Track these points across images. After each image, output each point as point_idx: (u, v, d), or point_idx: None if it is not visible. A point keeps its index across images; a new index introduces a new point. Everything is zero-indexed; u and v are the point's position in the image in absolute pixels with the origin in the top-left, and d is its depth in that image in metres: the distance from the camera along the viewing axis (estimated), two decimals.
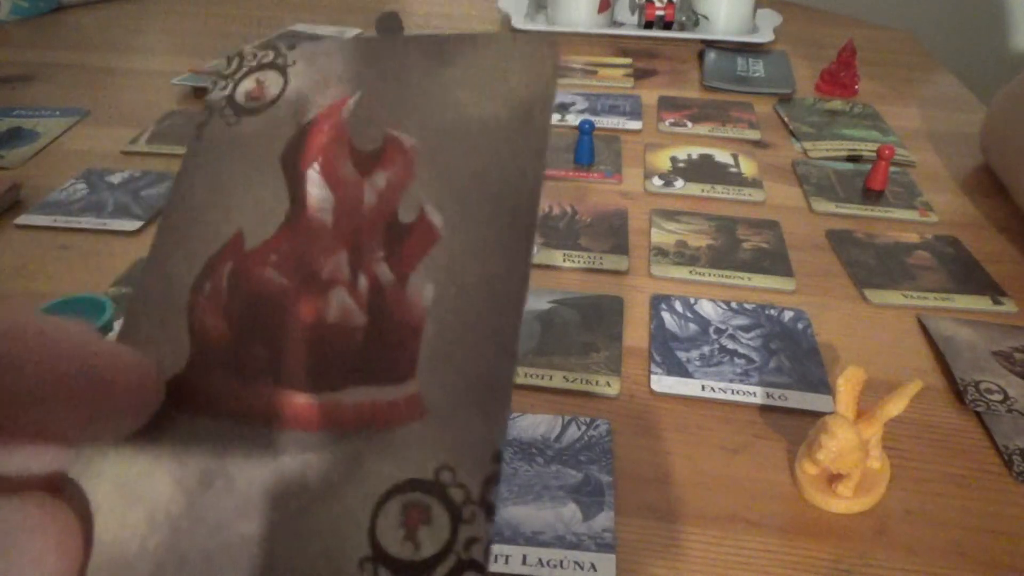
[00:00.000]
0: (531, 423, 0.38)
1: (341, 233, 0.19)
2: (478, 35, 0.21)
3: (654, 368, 0.42)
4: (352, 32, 0.96)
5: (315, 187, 0.20)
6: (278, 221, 0.20)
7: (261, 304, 0.19)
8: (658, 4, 0.95)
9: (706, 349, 0.44)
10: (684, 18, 0.98)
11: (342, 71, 0.21)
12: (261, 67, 0.22)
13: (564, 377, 0.41)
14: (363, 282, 0.19)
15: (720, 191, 0.61)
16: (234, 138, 0.21)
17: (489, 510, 0.16)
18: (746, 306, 0.47)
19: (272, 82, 0.22)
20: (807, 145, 0.69)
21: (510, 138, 0.20)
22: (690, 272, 0.51)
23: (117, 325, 0.45)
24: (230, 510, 0.17)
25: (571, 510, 0.34)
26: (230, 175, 0.21)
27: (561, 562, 0.31)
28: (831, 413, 0.34)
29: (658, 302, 0.48)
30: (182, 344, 0.19)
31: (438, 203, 0.19)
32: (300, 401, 0.18)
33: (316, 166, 0.20)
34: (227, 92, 0.22)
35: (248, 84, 0.22)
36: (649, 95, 0.79)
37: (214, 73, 0.22)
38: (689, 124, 0.73)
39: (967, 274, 0.51)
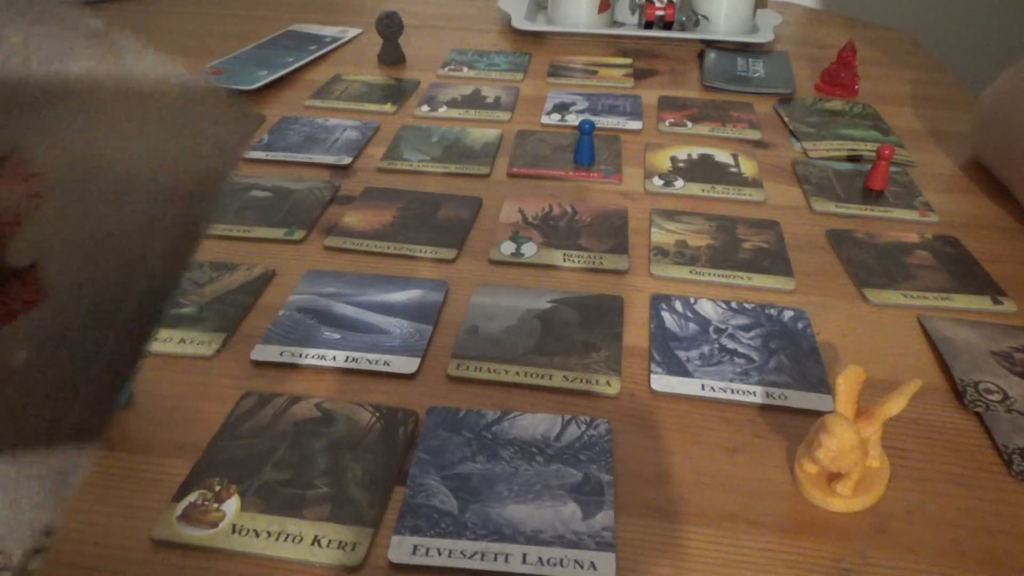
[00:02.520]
0: (531, 422, 0.38)
1: None
2: (178, 76, 0.16)
3: (654, 367, 0.42)
4: (353, 32, 0.96)
5: None
6: None
7: None
8: (658, 4, 0.95)
9: (706, 348, 0.44)
10: (684, 18, 0.98)
11: None
12: None
13: (564, 376, 0.41)
14: None
15: (720, 191, 0.61)
16: None
17: (22, 574, 0.15)
18: (746, 306, 0.48)
19: None
20: (807, 145, 0.69)
21: (165, 216, 0.16)
22: (690, 272, 0.51)
23: None
24: None
25: (571, 509, 0.34)
26: None
27: (561, 561, 0.31)
28: (831, 412, 0.34)
29: (658, 302, 0.48)
30: None
31: (59, 260, 0.15)
32: None
33: None
34: None
35: None
36: (649, 95, 0.79)
37: None
38: (689, 124, 0.73)
39: (967, 274, 0.51)
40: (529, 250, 0.53)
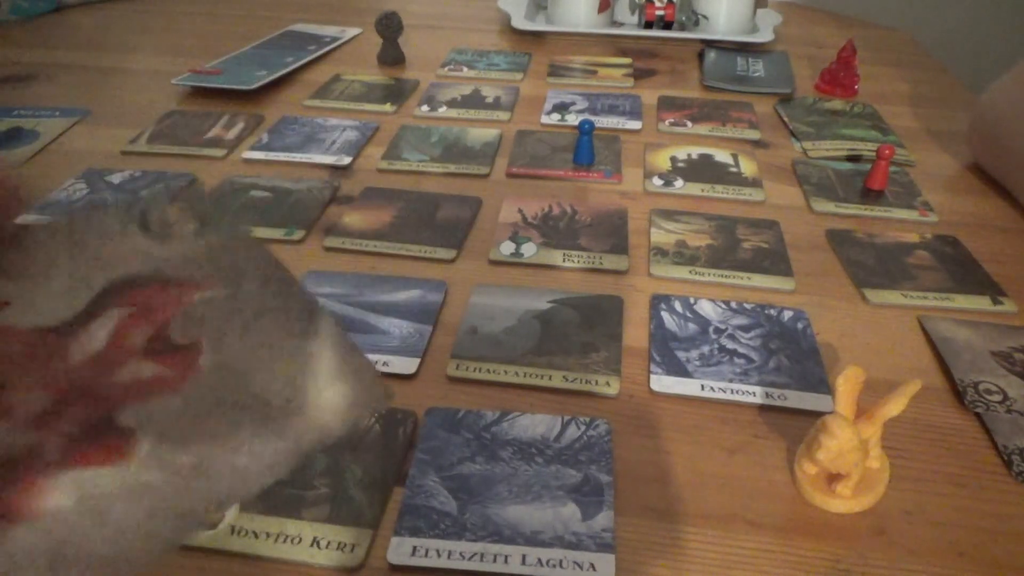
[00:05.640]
0: (530, 423, 0.38)
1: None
2: (333, 336, 0.22)
3: (653, 368, 0.42)
4: (352, 32, 0.96)
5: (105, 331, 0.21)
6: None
7: None
8: (658, 4, 0.95)
9: (705, 349, 0.44)
10: (684, 18, 0.98)
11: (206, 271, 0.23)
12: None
13: (564, 377, 0.41)
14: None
15: (720, 191, 0.61)
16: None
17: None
18: (746, 306, 0.47)
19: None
20: (807, 145, 0.69)
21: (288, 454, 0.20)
22: (690, 272, 0.51)
23: None
24: None
25: (570, 510, 0.34)
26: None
27: (560, 562, 0.31)
28: (830, 413, 0.34)
29: (658, 302, 0.48)
30: None
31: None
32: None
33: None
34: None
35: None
36: (649, 95, 0.79)
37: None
38: (689, 124, 0.73)
39: (967, 274, 0.51)
40: (528, 250, 0.52)
